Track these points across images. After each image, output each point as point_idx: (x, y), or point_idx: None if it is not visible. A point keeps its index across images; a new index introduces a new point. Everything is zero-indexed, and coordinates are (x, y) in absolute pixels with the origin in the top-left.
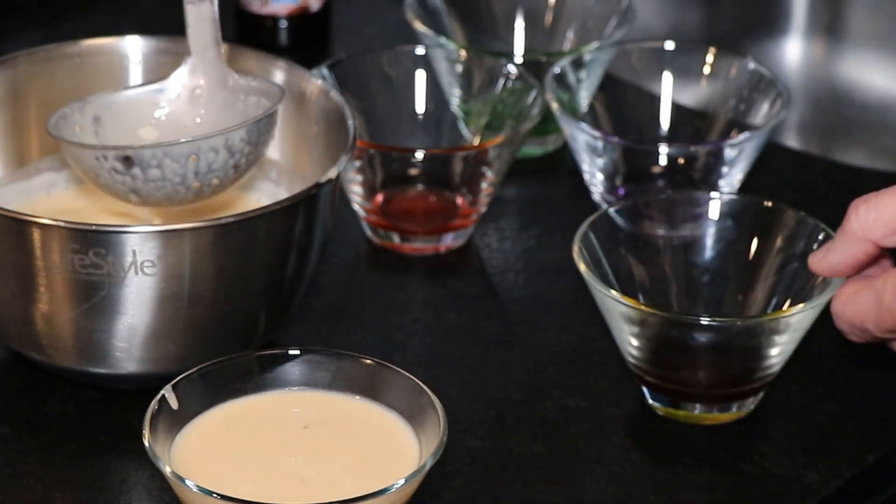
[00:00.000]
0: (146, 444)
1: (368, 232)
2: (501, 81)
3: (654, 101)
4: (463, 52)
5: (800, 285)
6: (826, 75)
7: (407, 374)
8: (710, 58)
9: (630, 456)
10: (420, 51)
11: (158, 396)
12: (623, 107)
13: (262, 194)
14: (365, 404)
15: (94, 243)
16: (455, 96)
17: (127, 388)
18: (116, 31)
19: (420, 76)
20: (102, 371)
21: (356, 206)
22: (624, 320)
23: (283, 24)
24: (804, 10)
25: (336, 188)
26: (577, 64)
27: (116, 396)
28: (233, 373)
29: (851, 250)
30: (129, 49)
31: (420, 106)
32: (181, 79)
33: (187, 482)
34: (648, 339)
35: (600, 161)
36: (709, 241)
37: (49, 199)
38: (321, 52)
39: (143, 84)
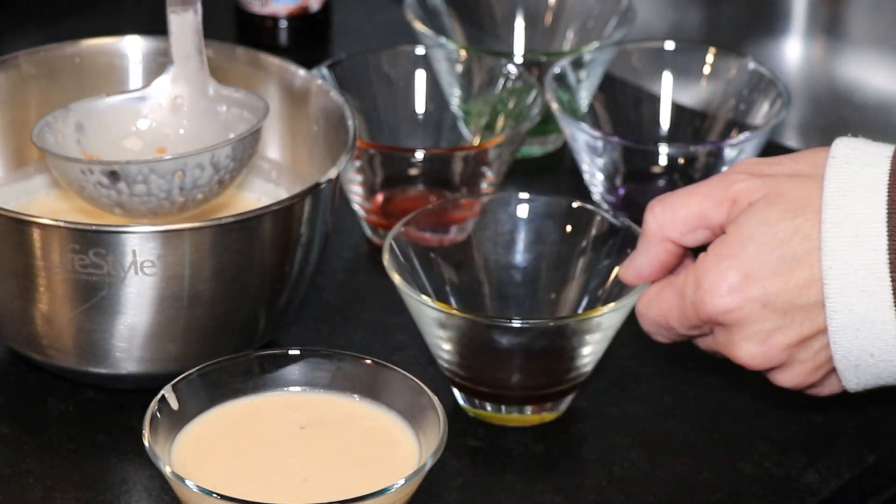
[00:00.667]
0: (146, 444)
1: (368, 232)
2: (501, 81)
3: (654, 101)
4: (463, 52)
5: (611, 285)
6: (826, 75)
7: (407, 374)
8: (710, 58)
9: (630, 456)
10: (420, 51)
11: (158, 396)
12: (623, 107)
13: (262, 194)
14: (365, 404)
15: (94, 243)
16: (455, 96)
17: (127, 388)
18: (116, 31)
19: (420, 76)
20: (102, 371)
21: (356, 206)
22: (435, 324)
23: (283, 24)
24: (804, 10)
25: (336, 188)
26: (577, 64)
27: (116, 396)
28: (233, 373)
29: (654, 251)
30: (129, 49)
31: (420, 106)
32: (163, 87)
33: (187, 482)
34: (459, 343)
35: (600, 161)
36: (520, 243)
37: (49, 199)
38: (321, 52)
39: (124, 91)
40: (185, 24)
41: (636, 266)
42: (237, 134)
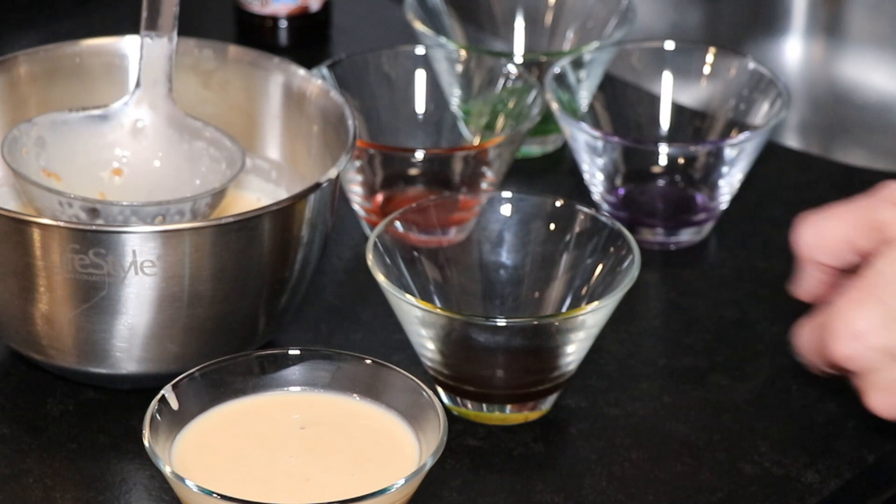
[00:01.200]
0: (146, 444)
1: (368, 232)
2: (501, 81)
3: (654, 101)
4: (463, 52)
5: (595, 283)
6: (826, 75)
7: (407, 374)
8: (710, 58)
9: (630, 456)
10: (420, 51)
11: (158, 396)
12: (623, 107)
13: (262, 194)
14: (365, 404)
15: (94, 243)
16: (455, 96)
17: (127, 388)
18: (116, 31)
19: (420, 76)
20: (102, 371)
21: (356, 206)
22: (418, 323)
23: (283, 24)
24: (804, 10)
25: (336, 188)
26: (577, 64)
27: (116, 396)
28: (233, 373)
29: (807, 271)
30: (129, 49)
31: (420, 106)
32: (126, 109)
33: (187, 482)
34: (442, 342)
35: (600, 161)
36: (505, 242)
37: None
38: (321, 52)
39: (87, 108)
40: (158, 49)
41: (803, 287)
42: (205, 169)
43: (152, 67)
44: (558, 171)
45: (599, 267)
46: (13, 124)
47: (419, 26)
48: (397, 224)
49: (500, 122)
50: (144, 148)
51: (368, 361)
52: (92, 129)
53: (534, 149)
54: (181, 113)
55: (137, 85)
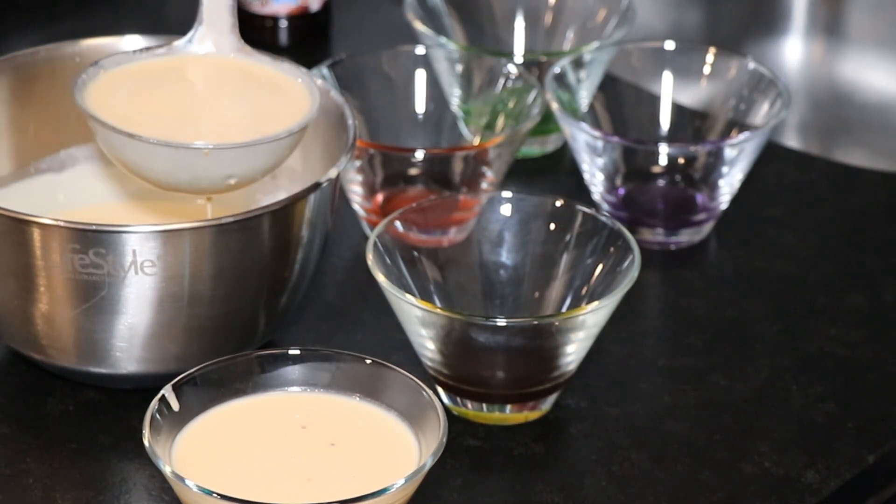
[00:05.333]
0: (146, 444)
1: (368, 232)
2: (501, 81)
3: (654, 101)
4: (463, 52)
5: (595, 283)
6: (826, 75)
7: (407, 374)
8: (710, 58)
9: (630, 456)
10: (420, 51)
11: (158, 396)
12: (623, 107)
13: (262, 194)
14: (365, 404)
15: (94, 243)
16: (455, 96)
17: (127, 388)
18: (116, 31)
19: (420, 76)
20: (102, 371)
21: (356, 206)
22: (418, 323)
23: (283, 23)
24: (804, 10)
25: (336, 188)
26: (577, 64)
27: (116, 396)
28: (233, 373)
29: None
30: (129, 49)
31: (420, 106)
32: (189, 47)
33: (187, 482)
34: (442, 341)
35: (600, 161)
36: (505, 241)
37: (49, 199)
38: (321, 52)
39: (150, 48)
40: None
41: None
42: (275, 106)
43: (215, 3)
44: (558, 171)
45: (599, 267)
46: (13, 124)
47: (419, 26)
48: (397, 224)
49: (500, 122)
50: (216, 88)
51: (368, 361)
52: (165, 68)
53: (534, 149)
54: (247, 48)
55: (200, 22)
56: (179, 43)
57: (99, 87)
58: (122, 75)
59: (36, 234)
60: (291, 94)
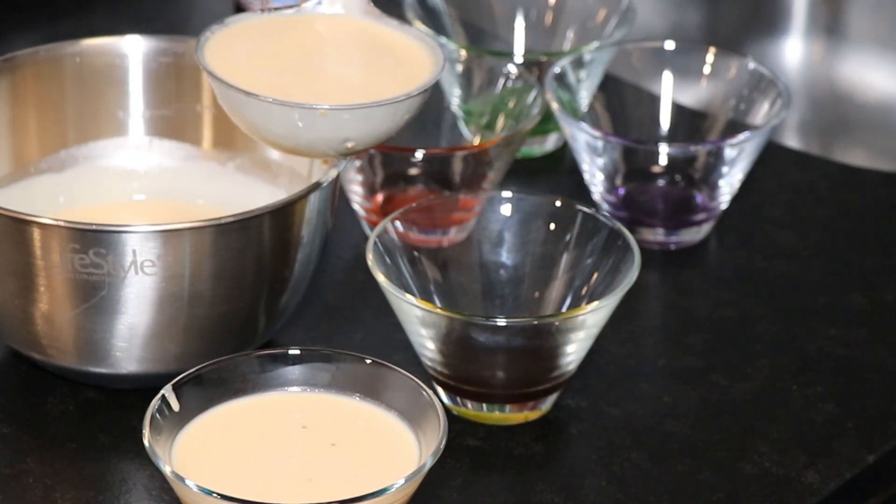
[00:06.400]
0: (146, 444)
1: (368, 232)
2: (501, 81)
3: (654, 101)
4: (463, 52)
5: (595, 283)
6: (826, 75)
7: (407, 374)
8: (710, 58)
9: (630, 456)
10: None
11: (158, 396)
12: (623, 107)
13: (262, 194)
14: (365, 404)
15: (94, 243)
16: (455, 96)
17: (127, 388)
18: (116, 31)
19: None
20: (102, 371)
21: (356, 206)
22: (419, 324)
23: None
24: (804, 10)
25: (336, 188)
26: (577, 64)
27: (116, 396)
28: (233, 373)
29: None
30: (129, 49)
31: None
32: (318, 8)
33: (187, 482)
34: (442, 341)
35: (600, 161)
36: (505, 241)
37: (49, 199)
38: None
39: (278, 9)
40: None
41: None
42: (402, 69)
43: None
44: (558, 171)
45: (599, 267)
46: (13, 124)
47: (419, 26)
48: (397, 224)
49: (500, 122)
50: (339, 49)
51: (368, 361)
52: (290, 26)
53: (534, 149)
54: (376, 10)
55: None
56: (309, 4)
57: (221, 43)
58: (246, 31)
59: (36, 233)
60: (414, 59)
